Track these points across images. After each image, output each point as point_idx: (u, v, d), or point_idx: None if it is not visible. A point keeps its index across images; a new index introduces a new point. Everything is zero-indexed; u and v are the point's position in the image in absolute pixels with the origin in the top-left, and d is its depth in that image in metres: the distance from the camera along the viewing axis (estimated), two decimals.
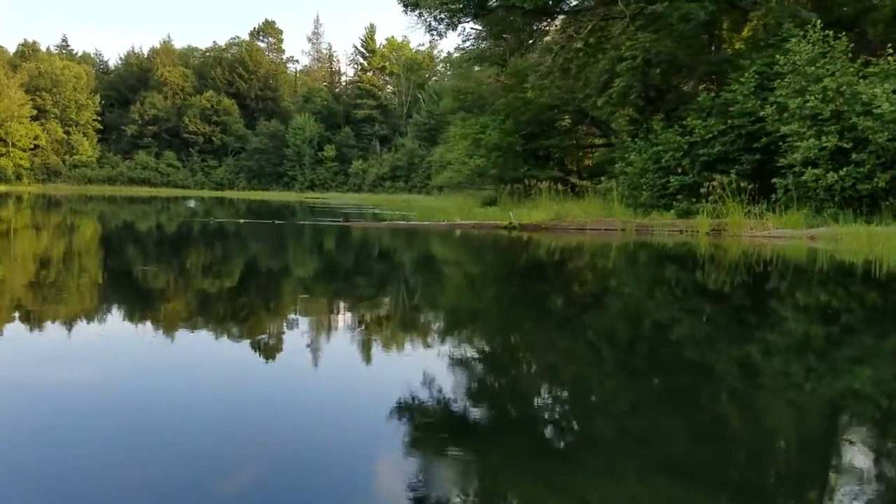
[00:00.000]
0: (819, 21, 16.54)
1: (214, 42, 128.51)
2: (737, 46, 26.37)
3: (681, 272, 10.56)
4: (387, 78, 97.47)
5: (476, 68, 34.07)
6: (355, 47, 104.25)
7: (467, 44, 32.25)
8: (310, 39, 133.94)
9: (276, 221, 21.76)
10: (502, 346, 5.50)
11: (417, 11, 31.38)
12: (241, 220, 22.25)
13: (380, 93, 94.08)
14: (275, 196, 71.59)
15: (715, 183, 17.63)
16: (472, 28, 31.81)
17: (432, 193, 70.16)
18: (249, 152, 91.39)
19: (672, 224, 18.18)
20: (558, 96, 24.00)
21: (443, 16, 26.42)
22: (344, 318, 6.25)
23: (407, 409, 3.52)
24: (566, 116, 30.07)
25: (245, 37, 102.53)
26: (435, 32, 29.80)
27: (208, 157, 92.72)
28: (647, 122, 24.65)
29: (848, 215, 15.88)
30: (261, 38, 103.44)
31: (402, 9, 31.24)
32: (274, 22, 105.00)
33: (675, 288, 8.77)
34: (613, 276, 10.29)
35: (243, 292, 7.75)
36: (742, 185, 17.64)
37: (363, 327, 5.74)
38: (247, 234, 17.07)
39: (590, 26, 20.64)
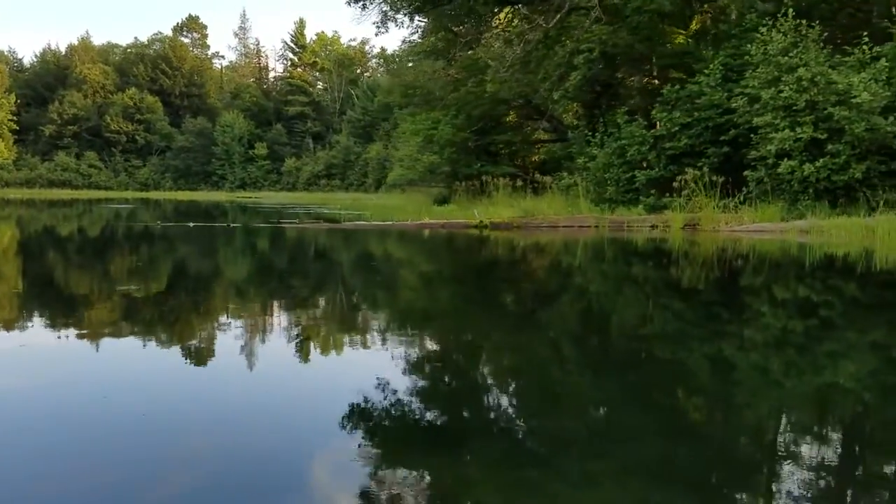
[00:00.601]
0: (791, 10, 16.30)
1: (136, 38, 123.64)
2: (678, 41, 26.21)
3: (668, 271, 10.11)
4: (317, 74, 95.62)
5: (423, 62, 33.25)
6: (284, 42, 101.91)
7: (415, 37, 31.36)
8: (236, 34, 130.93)
9: (231, 225, 20.54)
10: (490, 348, 5.45)
11: (361, 3, 30.49)
12: (192, 224, 20.96)
13: (311, 89, 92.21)
14: (203, 196, 69.34)
15: (688, 177, 17.28)
16: (419, 21, 31.05)
17: (370, 191, 69.18)
18: (175, 151, 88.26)
19: (644, 219, 17.80)
20: (516, 90, 23.38)
21: (401, 6, 25.45)
22: (342, 327, 6.00)
23: (372, 415, 3.49)
24: (518, 111, 29.56)
25: (168, 32, 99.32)
26: (390, 24, 28.91)
27: (132, 156, 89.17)
28: (607, 115, 24.34)
29: (823, 207, 15.75)
30: (184, 33, 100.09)
31: (346, 1, 30.29)
32: (198, 17, 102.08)
33: (668, 289, 8.23)
34: (603, 277, 9.85)
35: (239, 301, 6.86)
36: (713, 178, 17.35)
37: (363, 334, 5.70)
38: (214, 240, 15.93)
39: (557, 16, 20.04)
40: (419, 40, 31.04)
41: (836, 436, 3.39)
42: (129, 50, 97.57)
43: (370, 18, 34.96)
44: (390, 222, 19.20)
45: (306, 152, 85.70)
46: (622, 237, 15.70)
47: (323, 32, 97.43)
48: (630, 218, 18.05)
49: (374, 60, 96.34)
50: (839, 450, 3.18)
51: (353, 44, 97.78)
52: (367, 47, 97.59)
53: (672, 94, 19.39)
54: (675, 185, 17.62)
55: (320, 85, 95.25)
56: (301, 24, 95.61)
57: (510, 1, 21.36)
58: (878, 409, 3.81)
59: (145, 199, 57.35)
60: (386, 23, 29.54)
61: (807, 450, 3.11)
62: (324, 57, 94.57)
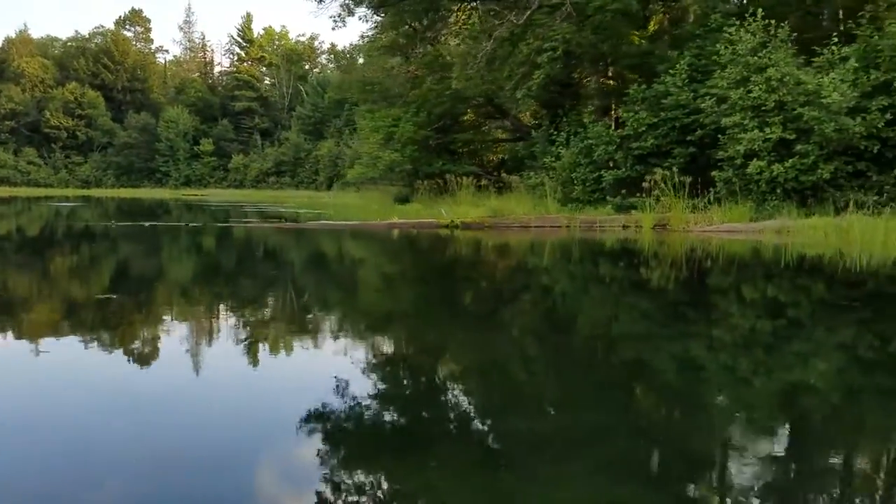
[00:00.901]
0: (760, 9, 16.41)
1: (77, 31, 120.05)
2: (635, 41, 26.33)
3: (639, 271, 10.08)
4: (264, 69, 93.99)
5: (381, 58, 32.80)
6: (231, 37, 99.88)
7: (372, 32, 30.87)
8: (181, 28, 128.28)
9: (190, 224, 19.86)
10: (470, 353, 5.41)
11: None
12: (147, 224, 20.24)
13: (259, 84, 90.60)
14: (147, 193, 67.69)
15: (657, 177, 17.28)
16: (377, 16, 30.62)
17: (321, 189, 68.27)
18: (118, 147, 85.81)
19: (614, 219, 17.75)
20: (482, 88, 23.15)
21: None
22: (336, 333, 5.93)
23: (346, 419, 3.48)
24: (477, 110, 29.35)
25: (110, 26, 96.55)
26: (349, 18, 28.37)
27: (72, 153, 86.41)
28: (570, 115, 24.29)
29: (790, 207, 15.90)
30: (127, 27, 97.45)
31: None
32: (141, 10, 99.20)
33: (638, 289, 8.12)
34: (572, 277, 9.83)
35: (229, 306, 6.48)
36: (681, 179, 17.39)
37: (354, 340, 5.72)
38: (178, 241, 15.33)
39: (527, 13, 19.85)
40: (378, 35, 30.58)
41: (798, 434, 3.49)
42: (69, 43, 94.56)
43: (327, 12, 33.96)
44: (356, 222, 18.81)
45: (254, 149, 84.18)
46: (594, 237, 15.64)
47: (271, 27, 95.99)
48: (600, 218, 17.99)
49: (323, 56, 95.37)
50: (801, 447, 3.30)
51: (302, 39, 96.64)
52: (316, 43, 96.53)
53: (638, 94, 19.39)
54: (645, 185, 17.61)
55: (268, 80, 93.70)
56: (248, 19, 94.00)
57: None
58: (841, 408, 3.93)
59: (87, 197, 55.66)
60: (344, 18, 29.11)
61: (768, 447, 3.22)
62: (271, 52, 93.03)
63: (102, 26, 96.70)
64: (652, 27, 28.93)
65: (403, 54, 29.62)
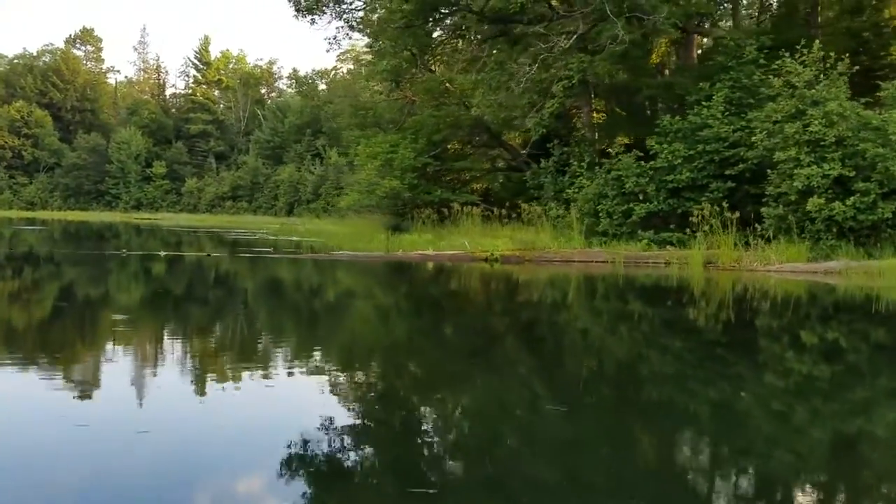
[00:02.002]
0: (818, 41, 15.80)
1: (25, 49, 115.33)
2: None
3: (724, 318, 9.06)
4: (217, 93, 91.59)
5: (372, 82, 31.66)
6: (187, 59, 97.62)
7: (365, 58, 29.79)
8: (136, 49, 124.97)
9: (211, 254, 18.19)
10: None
11: (310, 18, 28.78)
12: (163, 253, 18.49)
13: (215, 107, 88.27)
14: (95, 216, 64.84)
15: (705, 212, 16.42)
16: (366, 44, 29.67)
17: (280, 215, 66.34)
18: (66, 168, 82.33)
19: (658, 256, 16.80)
20: (500, 115, 22.11)
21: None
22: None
23: None
24: (476, 137, 28.38)
25: (60, 44, 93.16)
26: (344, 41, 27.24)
27: (17, 173, 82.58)
28: (580, 145, 23.52)
29: (847, 247, 15.19)
30: (78, 45, 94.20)
31: (294, 13, 28.56)
32: (92, 29, 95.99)
33: (741, 346, 7.12)
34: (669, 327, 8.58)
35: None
36: (728, 215, 16.57)
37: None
38: (213, 273, 13.78)
39: (573, 38, 18.93)
40: (371, 61, 29.52)
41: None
42: (15, 61, 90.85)
43: (322, 32, 33.12)
44: (379, 254, 17.47)
45: (209, 172, 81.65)
46: (643, 274, 14.70)
47: (228, 50, 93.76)
48: (644, 254, 17.02)
49: (281, 81, 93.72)
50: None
51: (260, 63, 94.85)
52: (275, 67, 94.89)
53: (674, 125, 18.62)
54: (693, 219, 16.72)
55: (223, 104, 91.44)
56: (206, 41, 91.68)
57: (507, 20, 20.10)
58: None
59: (31, 219, 52.89)
60: (340, 40, 28.09)
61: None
62: (229, 75, 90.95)
63: (52, 44, 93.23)
64: (654, 60, 28.59)
65: (396, 80, 28.54)
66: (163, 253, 17.97)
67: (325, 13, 28.52)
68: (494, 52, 21.53)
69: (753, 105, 18.11)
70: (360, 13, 28.42)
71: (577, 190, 20.46)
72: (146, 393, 4.83)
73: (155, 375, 5.29)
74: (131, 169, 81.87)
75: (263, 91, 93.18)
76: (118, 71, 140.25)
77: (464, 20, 20.44)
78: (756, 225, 16.68)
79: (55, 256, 17.02)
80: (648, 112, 26.85)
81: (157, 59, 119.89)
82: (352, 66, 74.52)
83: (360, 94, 31.14)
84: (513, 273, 14.49)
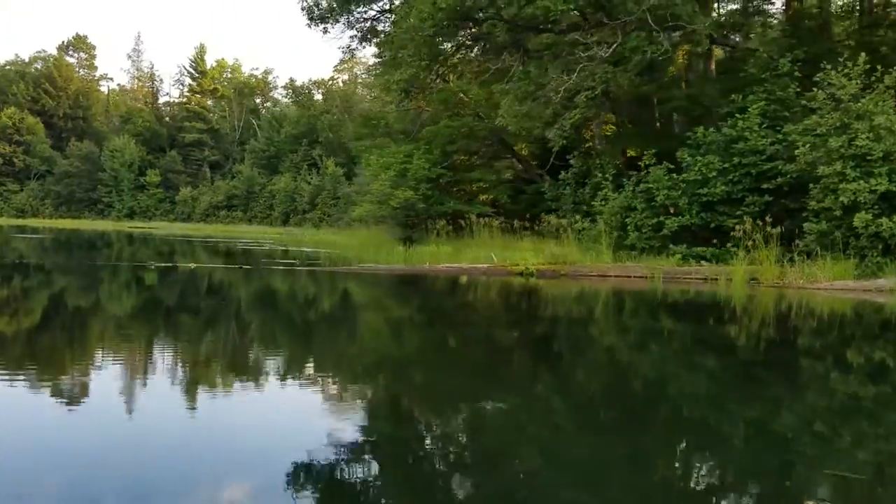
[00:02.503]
0: (864, 54, 15.37)
1: (17, 55, 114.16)
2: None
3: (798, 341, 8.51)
4: (210, 102, 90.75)
5: (381, 91, 31.14)
6: (182, 67, 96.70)
7: (377, 69, 29.36)
8: (130, 56, 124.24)
9: (244, 266, 17.51)
10: None
11: (323, 27, 28.36)
12: (193, 265, 17.77)
13: (210, 116, 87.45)
14: (88, 224, 64.05)
15: (746, 226, 15.90)
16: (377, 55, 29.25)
17: (276, 224, 65.59)
18: (58, 176, 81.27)
19: (697, 271, 16.26)
20: (525, 125, 21.56)
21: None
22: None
23: None
24: (489, 148, 27.87)
25: (53, 51, 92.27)
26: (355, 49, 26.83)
27: (8, 180, 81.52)
28: (602, 157, 23.05)
29: (894, 265, 14.71)
30: (70, 52, 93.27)
31: (307, 22, 28.17)
32: (86, 36, 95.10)
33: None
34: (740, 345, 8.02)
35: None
36: (769, 230, 16.04)
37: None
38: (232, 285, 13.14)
39: (614, 46, 18.41)
40: (382, 71, 29.08)
41: None
42: (7, 67, 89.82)
43: (336, 42, 32.98)
44: (405, 267, 16.85)
45: (203, 181, 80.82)
46: (684, 290, 14.15)
47: (223, 59, 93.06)
48: (683, 269, 16.47)
49: (276, 91, 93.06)
50: None
51: (256, 73, 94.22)
52: (270, 77, 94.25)
53: (708, 137, 18.14)
54: (734, 234, 16.20)
55: (218, 113, 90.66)
56: (202, 49, 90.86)
57: (538, 29, 19.62)
58: None
59: (21, 227, 51.99)
60: (353, 50, 27.75)
61: None
62: (224, 84, 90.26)
63: (44, 51, 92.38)
64: (670, 72, 28.18)
65: (407, 91, 28.05)
66: (192, 265, 17.32)
67: (339, 21, 28.17)
68: (524, 62, 20.97)
69: (788, 118, 17.71)
70: (380, 25, 28.16)
71: (601, 202, 19.95)
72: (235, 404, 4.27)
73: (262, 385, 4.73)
74: (125, 177, 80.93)
75: (258, 101, 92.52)
76: (111, 78, 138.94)
77: (494, 28, 19.89)
78: (797, 241, 16.19)
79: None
80: (658, 124, 26.51)
81: (152, 67, 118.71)
82: (346, 78, 74.97)
83: (357, 104, 30.58)
84: (555, 288, 13.92)
